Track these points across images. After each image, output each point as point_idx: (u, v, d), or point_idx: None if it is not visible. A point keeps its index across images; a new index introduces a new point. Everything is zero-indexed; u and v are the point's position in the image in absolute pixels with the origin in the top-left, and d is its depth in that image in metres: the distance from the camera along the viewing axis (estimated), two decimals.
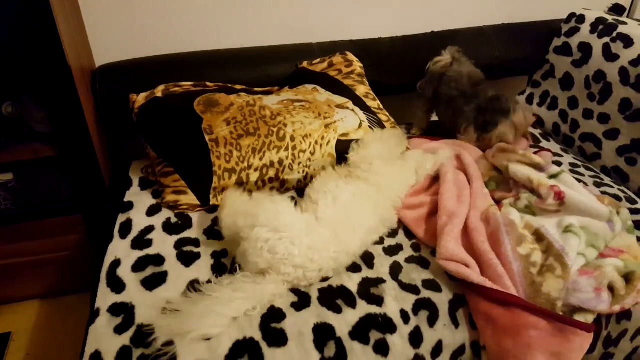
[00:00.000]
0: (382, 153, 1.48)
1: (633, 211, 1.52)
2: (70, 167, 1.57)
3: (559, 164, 1.75)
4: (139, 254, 1.27)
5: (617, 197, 1.58)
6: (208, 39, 1.86)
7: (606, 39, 1.84)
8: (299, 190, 1.56)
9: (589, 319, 1.17)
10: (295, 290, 1.18)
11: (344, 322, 1.11)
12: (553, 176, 1.46)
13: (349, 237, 1.24)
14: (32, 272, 1.77)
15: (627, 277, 1.24)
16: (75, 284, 1.83)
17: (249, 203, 1.29)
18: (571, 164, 1.80)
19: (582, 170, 1.77)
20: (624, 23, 1.84)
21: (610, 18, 1.90)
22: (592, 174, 1.75)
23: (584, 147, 1.89)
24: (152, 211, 1.44)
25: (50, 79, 1.41)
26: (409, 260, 1.32)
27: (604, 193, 1.58)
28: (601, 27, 1.89)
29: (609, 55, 1.81)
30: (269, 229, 1.17)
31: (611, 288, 1.21)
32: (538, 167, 1.49)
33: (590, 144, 1.85)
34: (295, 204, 1.33)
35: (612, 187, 1.67)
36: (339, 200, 1.30)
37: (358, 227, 1.27)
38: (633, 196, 1.63)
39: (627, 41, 1.77)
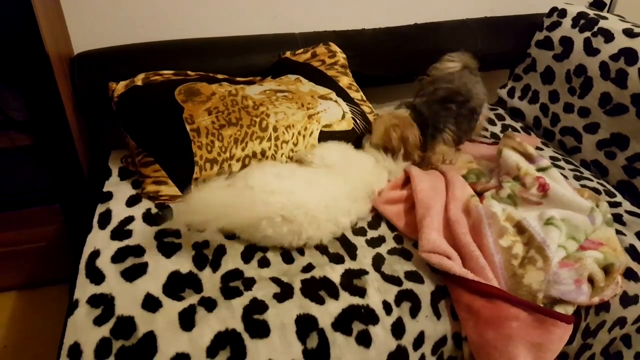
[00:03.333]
0: (325, 153, 1.49)
1: (612, 204, 1.54)
2: (47, 156, 1.54)
3: None
4: (118, 244, 1.25)
5: (596, 191, 1.60)
6: (189, 27, 1.83)
7: (587, 34, 1.86)
8: None
9: (568, 310, 1.18)
10: (277, 281, 1.18)
11: (326, 313, 1.11)
12: (542, 169, 1.47)
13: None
14: (8, 263, 1.73)
15: (606, 269, 1.26)
16: (53, 275, 1.80)
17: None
18: (551, 157, 1.81)
19: (562, 163, 1.78)
20: (605, 18, 1.86)
21: (591, 13, 1.92)
22: (571, 167, 1.77)
23: (564, 140, 1.91)
24: (132, 201, 1.42)
25: (27, 66, 1.37)
26: (391, 251, 1.32)
27: (583, 186, 1.60)
28: (582, 21, 1.90)
29: (590, 50, 1.83)
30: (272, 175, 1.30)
31: (591, 280, 1.23)
32: (529, 158, 1.50)
33: (571, 137, 1.87)
34: None
35: (592, 180, 1.69)
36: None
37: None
38: (612, 189, 1.65)
39: (608, 36, 1.79)
